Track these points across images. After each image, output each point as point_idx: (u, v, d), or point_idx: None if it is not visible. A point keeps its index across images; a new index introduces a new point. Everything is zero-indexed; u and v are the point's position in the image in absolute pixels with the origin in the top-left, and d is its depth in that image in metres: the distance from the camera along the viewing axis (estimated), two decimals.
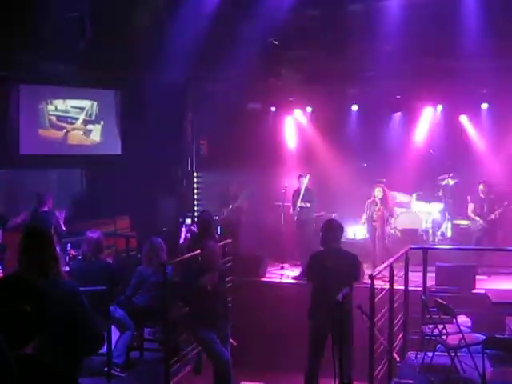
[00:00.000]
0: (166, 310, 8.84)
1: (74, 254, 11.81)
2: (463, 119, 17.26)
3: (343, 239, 14.21)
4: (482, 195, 15.22)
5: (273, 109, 17.77)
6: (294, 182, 15.81)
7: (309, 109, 17.72)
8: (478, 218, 15.18)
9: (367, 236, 15.76)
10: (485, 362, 7.39)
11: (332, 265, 8.45)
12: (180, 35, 12.87)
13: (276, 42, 13.11)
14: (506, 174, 16.14)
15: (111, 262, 10.63)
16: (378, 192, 14.87)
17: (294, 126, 18.16)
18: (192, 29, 12.82)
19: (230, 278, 10.53)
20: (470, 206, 15.47)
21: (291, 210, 15.41)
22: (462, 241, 15.47)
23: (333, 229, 8.81)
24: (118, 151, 17.00)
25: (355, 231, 16.57)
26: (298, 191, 15.47)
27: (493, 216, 15.01)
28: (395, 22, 12.48)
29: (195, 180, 17.33)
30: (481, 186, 15.34)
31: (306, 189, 15.36)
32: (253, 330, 12.32)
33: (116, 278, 8.89)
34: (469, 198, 15.42)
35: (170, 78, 14.64)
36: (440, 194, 16.47)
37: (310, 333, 8.61)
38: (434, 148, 17.17)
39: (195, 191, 17.43)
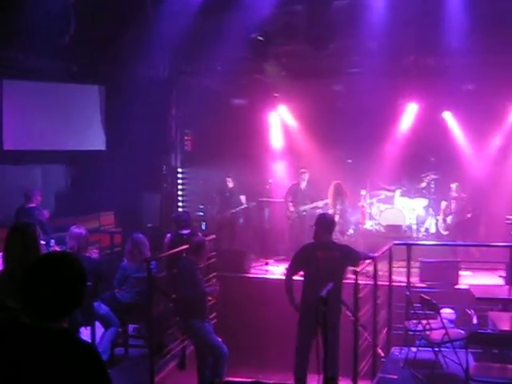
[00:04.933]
0: (151, 306, 8.83)
1: (58, 249, 11.75)
2: (447, 116, 17.31)
3: None
4: (454, 194, 15.38)
5: (257, 105, 17.73)
6: (278, 177, 15.87)
7: (293, 105, 17.69)
8: (449, 218, 15.42)
9: (352, 231, 15.84)
10: (468, 357, 7.42)
11: (321, 256, 8.47)
12: (165, 30, 12.82)
13: (261, 38, 13.08)
14: (488, 172, 16.23)
15: (96, 257, 10.60)
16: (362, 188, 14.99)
17: (279, 121, 18.15)
18: (177, 23, 12.76)
19: (214, 273, 10.56)
20: (442, 204, 15.62)
21: (290, 208, 15.43)
22: (445, 237, 15.55)
23: (326, 222, 8.83)
24: (103, 147, 16.93)
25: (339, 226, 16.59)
26: (296, 186, 15.48)
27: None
28: (380, 19, 12.48)
29: (180, 176, 17.29)
30: (453, 185, 15.49)
31: (307, 186, 15.40)
32: (237, 326, 12.32)
33: (101, 274, 8.87)
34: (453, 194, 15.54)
35: (155, 74, 14.63)
36: (424, 190, 16.55)
37: (298, 327, 8.62)
38: (418, 145, 17.22)
39: (180, 187, 17.38)
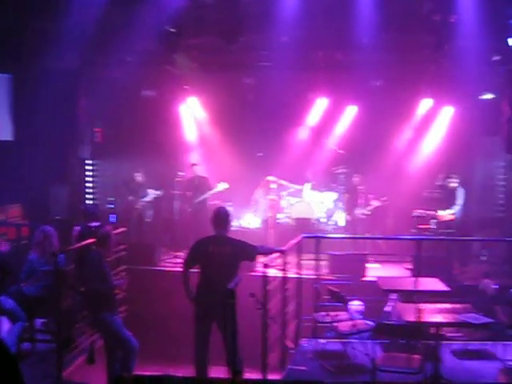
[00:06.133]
0: (59, 300, 8.69)
1: None
2: (354, 110, 17.58)
3: (238, 228, 14.37)
4: (359, 187, 15.67)
5: (168, 97, 17.60)
6: (188, 170, 15.85)
7: (204, 97, 17.64)
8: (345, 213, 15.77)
9: (261, 224, 15.94)
10: (375, 348, 7.56)
11: (213, 251, 8.49)
12: (74, 21, 12.63)
13: (172, 30, 13.00)
14: (395, 166, 16.55)
15: (3, 250, 10.39)
16: (271, 181, 15.07)
17: (189, 114, 18.09)
18: (87, 14, 12.60)
19: (123, 266, 10.48)
20: (345, 196, 15.89)
21: (186, 201, 15.51)
22: (353, 230, 15.78)
23: (220, 216, 8.83)
24: (10, 137, 16.53)
25: (249, 219, 16.68)
26: (191, 180, 15.56)
27: (361, 211, 15.54)
28: (291, 13, 12.57)
29: (89, 168, 17.05)
30: (355, 178, 15.77)
31: (200, 178, 15.48)
32: (147, 319, 12.27)
33: (7, 267, 8.69)
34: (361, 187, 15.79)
35: (64, 64, 14.35)
36: (333, 184, 16.76)
37: (195, 320, 8.61)
38: (327, 138, 17.45)
39: (89, 179, 17.14)
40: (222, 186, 15.60)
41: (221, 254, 8.48)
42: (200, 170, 16.05)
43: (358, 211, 15.74)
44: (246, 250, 8.71)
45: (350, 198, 15.95)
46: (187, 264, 8.80)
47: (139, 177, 16.08)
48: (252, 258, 8.97)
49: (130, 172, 16.27)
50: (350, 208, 15.96)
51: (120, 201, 16.42)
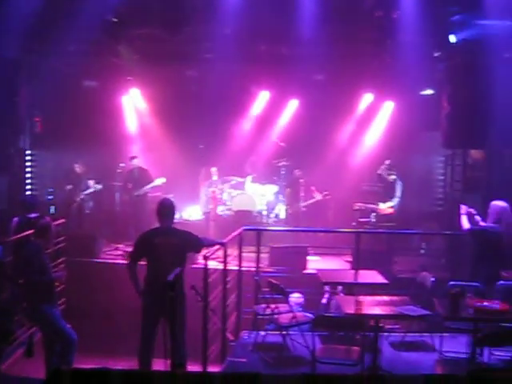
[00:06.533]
0: None
1: None
2: (295, 104, 17.69)
3: (179, 220, 14.33)
4: (300, 180, 15.77)
5: (110, 87, 17.43)
6: (129, 162, 15.79)
7: (146, 89, 17.53)
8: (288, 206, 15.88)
9: (202, 217, 15.94)
10: (315, 340, 7.62)
11: (159, 243, 8.45)
12: (15, 9, 12.44)
13: (115, 20, 12.88)
14: (336, 159, 16.70)
15: None
16: (212, 173, 15.08)
17: (132, 105, 17.97)
18: (27, 3, 12.42)
19: (63, 258, 10.38)
20: (287, 191, 15.99)
21: (125, 193, 15.46)
22: (294, 222, 15.86)
23: (164, 207, 8.79)
24: None
25: (191, 212, 16.66)
26: (131, 172, 15.50)
27: (304, 204, 15.67)
28: (235, 5, 12.55)
29: (29, 158, 16.80)
30: (296, 171, 15.86)
31: (140, 170, 15.44)
32: (88, 312, 12.17)
33: None
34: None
35: (3, 53, 14.12)
36: (274, 176, 16.81)
37: (143, 313, 8.58)
38: (270, 131, 17.52)
39: (28, 170, 16.89)
40: (159, 181, 15.56)
41: (167, 245, 8.43)
42: (139, 162, 15.95)
43: (300, 204, 15.83)
44: (192, 241, 8.69)
45: (291, 192, 16.02)
46: (134, 257, 8.71)
47: (78, 168, 15.93)
48: (198, 250, 8.98)
49: (70, 163, 16.10)
50: (291, 201, 16.03)
51: (59, 192, 16.23)
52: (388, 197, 14.87)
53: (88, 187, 15.90)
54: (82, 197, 15.80)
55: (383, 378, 5.77)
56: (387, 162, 15.04)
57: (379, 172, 15.28)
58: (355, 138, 17.35)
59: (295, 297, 10.54)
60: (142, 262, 8.64)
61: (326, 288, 10.88)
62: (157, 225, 8.83)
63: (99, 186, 15.93)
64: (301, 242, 14.54)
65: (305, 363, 8.44)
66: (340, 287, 10.79)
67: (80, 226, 15.74)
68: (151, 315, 8.39)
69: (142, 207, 15.58)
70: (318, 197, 15.79)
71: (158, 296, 8.16)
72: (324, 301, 10.92)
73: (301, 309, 10.22)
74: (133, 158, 15.88)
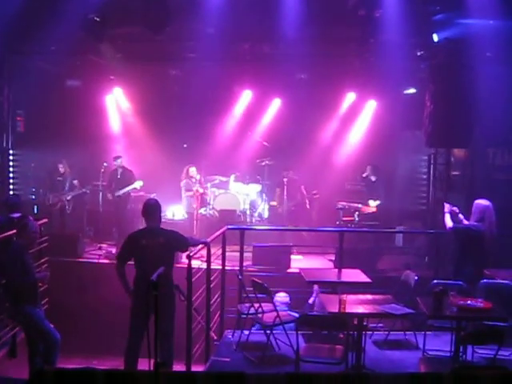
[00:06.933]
0: None
1: None
2: (277, 103, 17.71)
3: (163, 219, 14.30)
4: (287, 180, 15.76)
5: (93, 87, 17.36)
6: (112, 162, 15.74)
7: (129, 88, 17.49)
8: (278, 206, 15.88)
9: (186, 216, 15.92)
10: (299, 339, 7.61)
11: (147, 244, 8.46)
12: None
13: (97, 18, 12.83)
14: (319, 158, 16.73)
15: None
16: (193, 172, 15.07)
17: (115, 104, 17.93)
18: (10, 1, 12.35)
19: (46, 258, 10.33)
20: (277, 191, 15.99)
21: (108, 193, 15.42)
22: (277, 222, 15.87)
23: (149, 208, 8.78)
24: None
25: (174, 211, 16.64)
26: (113, 172, 15.47)
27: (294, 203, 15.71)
28: (217, 4, 12.52)
29: (11, 158, 16.70)
30: (285, 171, 15.85)
31: (124, 170, 15.42)
32: (71, 312, 12.13)
33: None
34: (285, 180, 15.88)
35: None
36: (258, 176, 16.82)
37: (131, 314, 8.57)
38: (252, 131, 17.54)
39: (11, 169, 16.79)
40: (137, 184, 15.53)
41: (154, 245, 8.45)
42: (122, 162, 15.89)
43: (289, 204, 15.80)
44: (178, 241, 8.71)
45: (281, 192, 15.98)
46: (121, 258, 8.71)
47: (62, 168, 15.85)
48: (184, 249, 8.98)
49: (53, 162, 16.01)
50: (281, 201, 16.00)
51: (42, 192, 16.15)
52: (371, 196, 14.96)
53: (73, 188, 15.82)
54: (69, 198, 15.71)
55: (367, 377, 5.78)
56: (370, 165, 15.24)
57: (364, 175, 15.38)
58: (338, 137, 17.40)
59: (281, 296, 10.55)
60: (130, 262, 8.64)
61: (315, 287, 10.90)
62: (141, 225, 8.83)
63: (85, 190, 15.86)
64: (285, 241, 14.56)
65: (289, 362, 8.45)
66: (316, 286, 10.81)
67: (63, 226, 15.65)
68: (139, 316, 8.38)
69: (123, 207, 15.56)
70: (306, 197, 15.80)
71: (145, 296, 8.17)
72: (310, 301, 10.93)
73: (286, 308, 10.22)
74: (117, 157, 15.80)
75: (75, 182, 15.89)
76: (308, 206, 16.24)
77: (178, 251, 8.93)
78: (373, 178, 15.26)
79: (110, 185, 15.60)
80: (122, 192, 15.45)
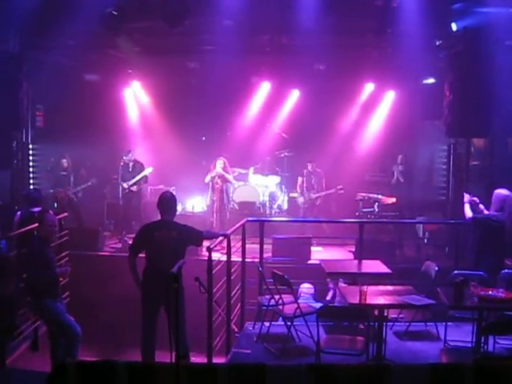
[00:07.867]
0: (0, 287, 8.58)
1: None
2: (296, 94, 17.68)
3: (182, 212, 14.33)
4: (310, 171, 15.69)
5: (111, 81, 17.40)
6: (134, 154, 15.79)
7: (147, 81, 17.52)
8: (298, 196, 15.81)
9: (205, 209, 15.93)
10: (319, 330, 7.61)
11: (160, 237, 8.51)
12: (15, 3, 12.42)
13: (115, 13, 12.84)
14: (339, 149, 16.69)
15: None
16: (218, 165, 15.05)
17: (133, 98, 17.97)
18: None
19: (66, 252, 10.37)
20: (299, 180, 15.94)
21: (123, 186, 15.45)
22: (297, 213, 15.86)
23: (165, 201, 8.81)
24: None
25: (194, 204, 16.67)
26: (125, 166, 15.49)
27: (317, 195, 15.59)
28: None
29: (31, 152, 16.79)
30: (308, 165, 15.78)
31: (135, 163, 15.46)
32: (92, 305, 12.18)
33: None
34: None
35: (5, 48, 14.11)
36: (277, 167, 16.82)
37: (142, 305, 8.61)
38: (272, 122, 17.52)
39: (31, 164, 16.88)
40: (147, 171, 15.61)
41: (167, 239, 8.49)
42: (136, 155, 15.91)
43: (312, 195, 15.75)
44: (191, 235, 8.74)
45: (302, 182, 15.94)
46: (133, 250, 8.78)
47: (65, 162, 15.91)
48: (198, 243, 9.03)
49: (72, 156, 16.08)
50: (302, 191, 15.94)
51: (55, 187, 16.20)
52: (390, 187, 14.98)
53: (80, 180, 15.89)
54: (75, 192, 15.75)
55: (388, 368, 5.78)
56: (400, 157, 15.25)
57: (394, 169, 15.42)
58: (357, 128, 17.36)
59: (306, 287, 10.56)
60: (141, 255, 8.69)
61: (330, 285, 10.92)
62: (157, 217, 8.86)
63: (89, 183, 15.89)
64: (304, 233, 14.55)
65: (310, 354, 8.44)
66: (331, 283, 10.84)
67: (78, 220, 15.68)
68: (149, 307, 8.47)
69: (138, 200, 15.66)
70: (332, 190, 15.70)
71: (156, 288, 8.22)
72: (328, 297, 10.95)
73: (312, 299, 10.26)
74: (128, 151, 15.80)
75: (82, 170, 15.98)
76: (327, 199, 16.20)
77: (191, 245, 8.94)
78: (400, 168, 15.34)
79: (122, 179, 15.62)
80: (131, 182, 15.44)
